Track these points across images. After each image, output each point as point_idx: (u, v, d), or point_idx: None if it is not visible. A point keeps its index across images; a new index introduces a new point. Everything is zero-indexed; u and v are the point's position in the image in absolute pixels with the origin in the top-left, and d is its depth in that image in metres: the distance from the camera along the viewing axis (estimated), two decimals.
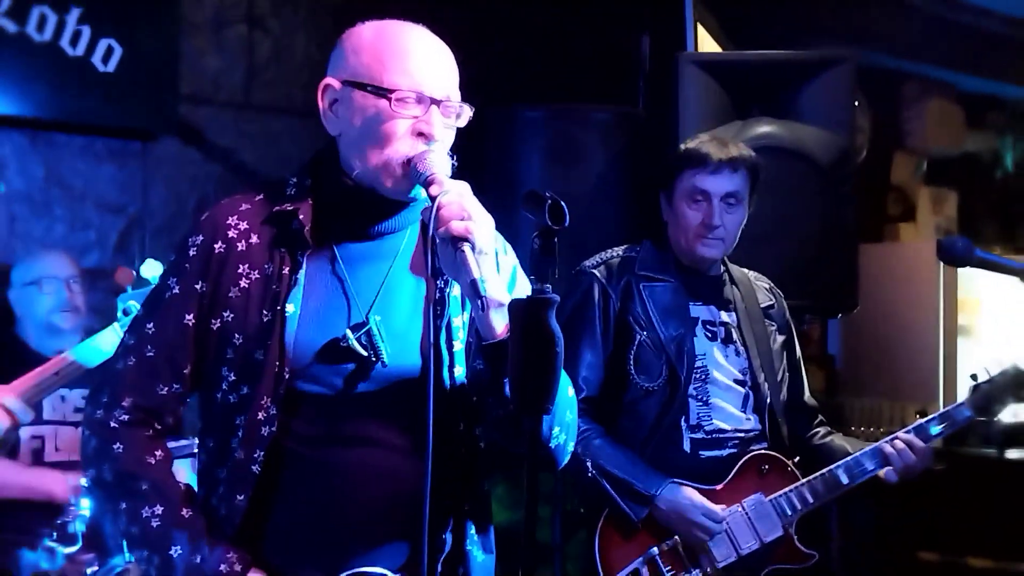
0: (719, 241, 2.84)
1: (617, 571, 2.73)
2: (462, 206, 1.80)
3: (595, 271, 2.89)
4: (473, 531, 2.03)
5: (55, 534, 3.18)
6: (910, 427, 2.83)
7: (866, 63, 4.22)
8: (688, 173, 2.83)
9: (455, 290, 1.96)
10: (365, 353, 1.93)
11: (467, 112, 1.98)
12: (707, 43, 4.17)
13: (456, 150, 1.99)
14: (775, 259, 3.07)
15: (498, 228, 1.95)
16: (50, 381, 2.41)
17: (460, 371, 1.98)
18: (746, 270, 3.01)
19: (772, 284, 3.06)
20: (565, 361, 2.73)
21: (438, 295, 1.96)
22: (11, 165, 4.14)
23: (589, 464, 2.72)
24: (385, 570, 1.94)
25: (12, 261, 3.87)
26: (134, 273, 2.50)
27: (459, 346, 1.98)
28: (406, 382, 1.94)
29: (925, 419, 2.84)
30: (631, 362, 2.81)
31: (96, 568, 3.18)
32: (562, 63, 4.78)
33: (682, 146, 2.94)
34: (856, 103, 3.89)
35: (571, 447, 2.03)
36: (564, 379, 1.91)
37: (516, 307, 1.74)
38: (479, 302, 1.80)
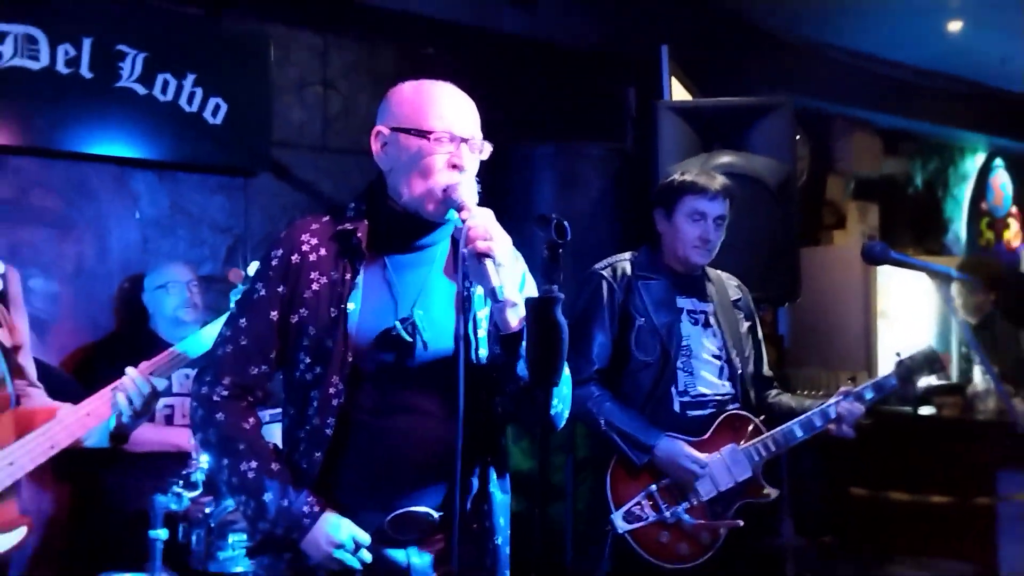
0: (709, 252, 2.89)
1: (623, 503, 2.75)
2: (486, 228, 1.84)
3: (603, 272, 2.92)
4: (495, 476, 2.04)
5: (181, 482, 3.16)
6: (850, 392, 2.87)
7: (803, 106, 4.25)
8: (690, 198, 2.85)
9: (479, 290, 1.95)
10: (410, 339, 1.94)
11: (487, 148, 2.00)
12: (679, 92, 4.18)
13: (482, 179, 2.01)
14: (736, 262, 3.11)
15: (515, 241, 1.98)
16: (174, 362, 2.43)
17: (484, 353, 1.98)
18: (718, 271, 3.04)
19: (739, 282, 3.09)
20: (580, 342, 2.79)
21: (466, 294, 1.97)
22: (144, 197, 4.16)
23: (602, 421, 2.75)
24: (428, 508, 1.95)
25: (145, 271, 3.89)
26: (243, 272, 2.51)
27: (483, 333, 1.99)
28: (442, 362, 1.95)
29: (861, 387, 2.88)
30: (632, 342, 2.84)
31: (212, 508, 3.18)
32: (567, 110, 4.82)
33: (679, 176, 2.93)
34: (797, 136, 3.92)
35: (567, 415, 2.04)
36: (567, 381, 1.97)
37: (531, 304, 1.79)
38: (497, 304, 1.84)
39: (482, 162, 2.02)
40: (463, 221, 1.87)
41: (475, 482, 1.99)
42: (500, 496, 2.04)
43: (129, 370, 2.33)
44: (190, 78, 4.08)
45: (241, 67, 4.24)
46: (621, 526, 2.72)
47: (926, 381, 2.94)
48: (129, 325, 3.94)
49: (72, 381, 3.57)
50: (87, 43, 3.88)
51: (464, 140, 1.94)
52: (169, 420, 3.66)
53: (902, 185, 6.90)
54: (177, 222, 4.22)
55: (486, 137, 2.01)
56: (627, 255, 2.97)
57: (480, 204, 1.92)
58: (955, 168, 7.92)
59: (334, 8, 4.41)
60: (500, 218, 1.91)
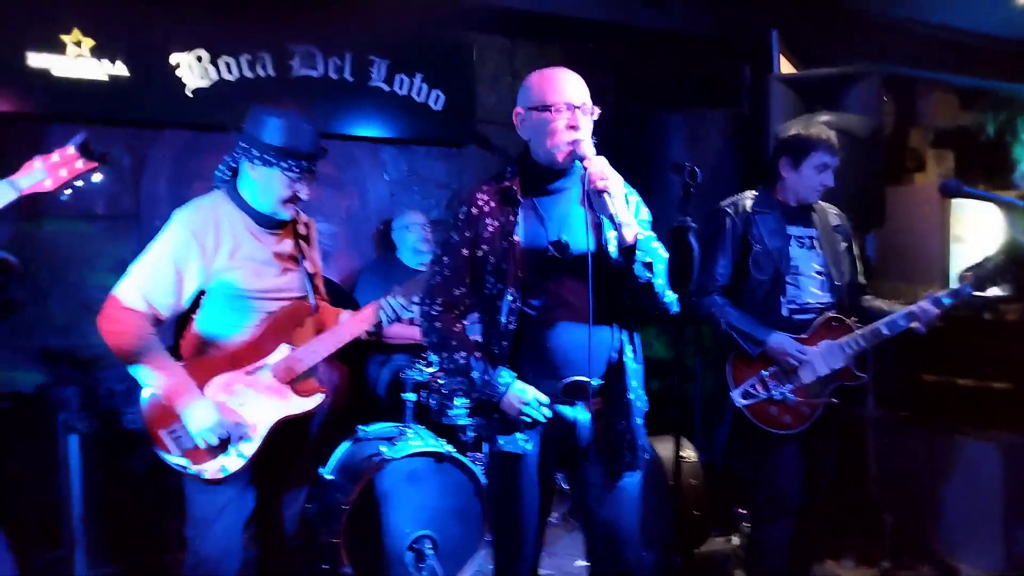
0: (823, 192, 2.73)
1: (741, 384, 2.67)
2: (602, 171, 1.86)
3: (727, 208, 2.77)
4: (629, 350, 2.04)
5: (422, 361, 3.32)
6: (931, 297, 2.64)
7: (889, 73, 3.88)
8: (819, 153, 2.66)
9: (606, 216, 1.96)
10: (559, 256, 1.96)
11: (597, 111, 1.98)
12: (787, 67, 3.91)
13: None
14: (836, 196, 2.87)
15: (652, 186, 1.94)
16: (415, 288, 2.51)
17: (613, 258, 1.97)
18: (821, 203, 2.82)
19: (838, 210, 2.87)
20: (707, 263, 2.71)
21: (596, 220, 1.97)
22: (389, 164, 4.29)
23: (723, 322, 2.66)
24: (584, 377, 1.98)
25: (392, 217, 4.01)
26: None
27: (612, 248, 1.97)
28: (583, 270, 1.94)
29: (940, 292, 2.65)
30: (751, 263, 2.70)
31: (444, 380, 3.27)
32: (694, 85, 4.58)
33: (806, 133, 2.72)
34: (884, 99, 3.60)
35: (676, 305, 2.01)
36: (663, 274, 1.94)
37: (670, 231, 1.78)
38: (615, 225, 1.88)
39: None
40: (585, 168, 1.89)
41: (614, 355, 2.01)
42: (633, 365, 2.05)
43: (389, 297, 2.42)
44: (419, 77, 4.16)
45: (453, 66, 4.27)
46: (739, 401, 2.65)
47: (995, 290, 2.66)
48: (383, 254, 4.09)
49: (349, 295, 3.74)
50: (348, 56, 4.02)
51: (577, 107, 1.94)
52: (411, 322, 3.80)
53: (975, 134, 6.21)
54: (413, 181, 4.33)
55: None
56: (748, 193, 2.80)
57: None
58: (1023, 118, 7.08)
59: (517, 18, 4.36)
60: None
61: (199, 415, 2.13)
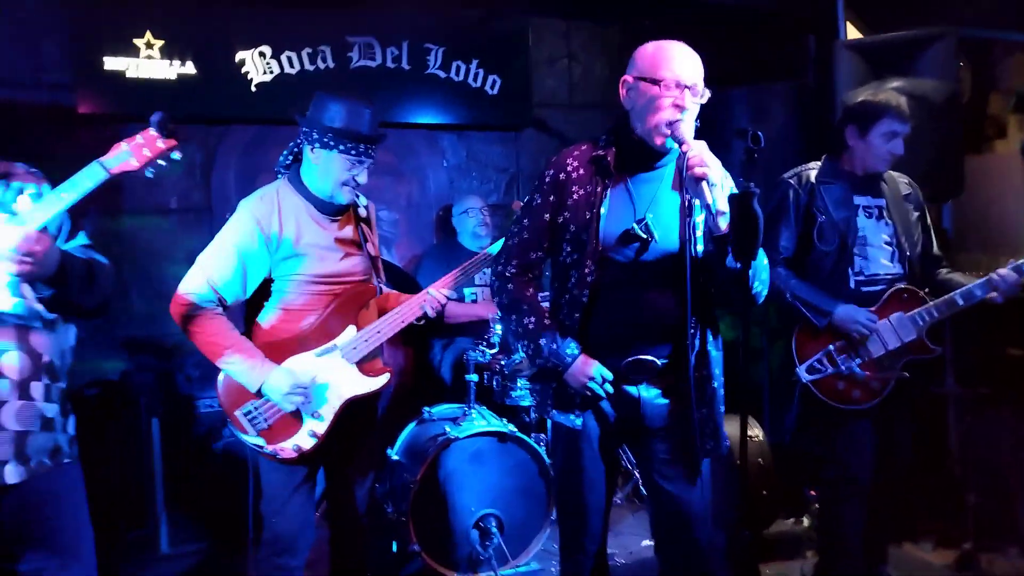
0: (893, 161, 2.62)
1: (807, 359, 2.60)
2: (702, 157, 1.78)
3: (790, 180, 2.69)
4: (711, 337, 2.00)
5: (484, 342, 3.34)
6: (1012, 264, 2.52)
7: (967, 35, 3.67)
8: (888, 120, 2.55)
9: (696, 201, 1.89)
10: (644, 236, 1.92)
11: (707, 93, 1.90)
12: (853, 34, 3.76)
13: (700, 113, 1.94)
14: (910, 165, 2.75)
15: (719, 155, 1.89)
16: (476, 265, 2.54)
17: (700, 248, 1.92)
18: (891, 171, 2.71)
19: (910, 179, 2.75)
20: (771, 236, 2.64)
21: (687, 204, 1.91)
22: (448, 150, 4.33)
23: (788, 294, 2.59)
24: (653, 357, 1.95)
25: (452, 202, 4.06)
26: (521, 202, 2.57)
27: (700, 233, 1.93)
28: (666, 253, 1.92)
29: (1020, 261, 2.52)
30: (815, 235, 2.61)
31: (505, 361, 3.32)
32: (757, 55, 4.45)
33: (874, 99, 2.61)
34: (960, 63, 3.42)
35: (765, 293, 1.95)
36: (762, 254, 1.87)
37: (733, 197, 1.72)
38: (712, 214, 1.80)
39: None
40: (684, 152, 1.82)
41: (697, 342, 1.97)
42: (715, 353, 2.01)
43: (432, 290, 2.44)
44: (474, 62, 4.17)
45: (509, 51, 4.26)
46: (805, 377, 2.58)
47: None
48: (443, 239, 4.14)
49: (411, 278, 3.81)
50: (405, 44, 4.06)
51: (687, 87, 1.87)
52: (474, 302, 3.83)
53: None
54: (471, 167, 4.36)
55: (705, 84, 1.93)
56: (813, 164, 2.71)
57: (696, 136, 1.86)
58: None
59: (572, 1, 4.33)
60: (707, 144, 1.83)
61: (278, 381, 2.19)
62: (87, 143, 3.60)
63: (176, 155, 1.73)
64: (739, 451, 2.63)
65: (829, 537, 2.70)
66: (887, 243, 2.64)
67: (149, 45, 3.68)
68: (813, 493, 3.30)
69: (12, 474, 1.68)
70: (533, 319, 2.00)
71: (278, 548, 2.29)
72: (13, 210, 1.71)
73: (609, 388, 1.96)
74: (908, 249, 2.64)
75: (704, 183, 1.77)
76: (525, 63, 4.30)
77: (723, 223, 1.81)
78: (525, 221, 2.05)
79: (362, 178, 2.30)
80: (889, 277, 2.62)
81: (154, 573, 3.19)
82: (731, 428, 2.98)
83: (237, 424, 2.27)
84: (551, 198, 1.99)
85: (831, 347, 2.59)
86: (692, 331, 1.92)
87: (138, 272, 3.77)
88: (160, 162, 1.71)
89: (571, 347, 1.96)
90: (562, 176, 1.99)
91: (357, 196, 2.37)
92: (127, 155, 1.67)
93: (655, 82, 1.87)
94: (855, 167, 2.65)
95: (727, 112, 3.71)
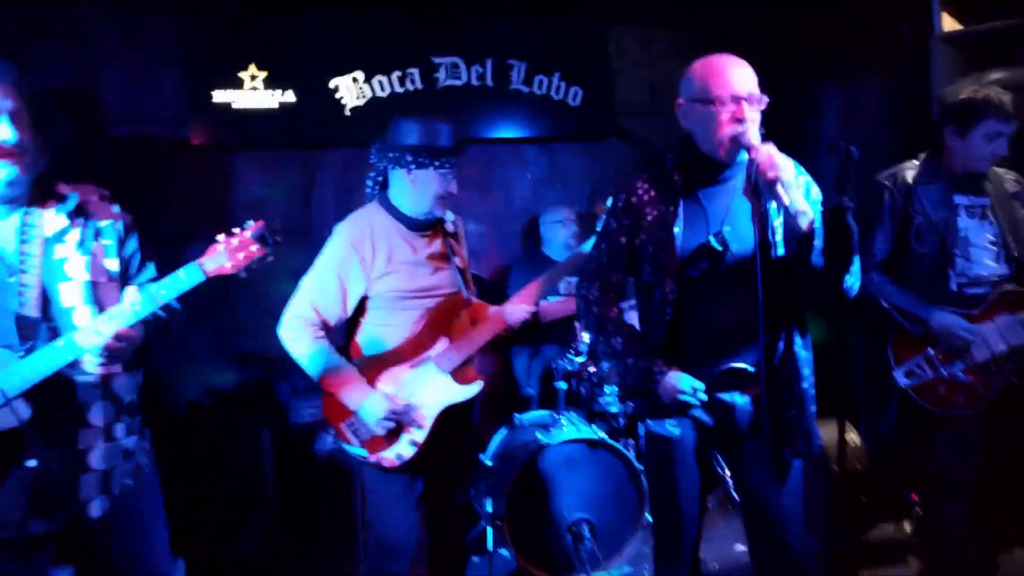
0: (994, 162, 2.52)
1: (904, 362, 2.52)
2: (771, 159, 1.76)
3: (885, 180, 2.60)
4: (798, 339, 1.97)
5: (573, 351, 3.38)
6: None
7: None
8: (990, 121, 2.44)
9: (772, 204, 1.88)
10: (721, 248, 1.91)
11: (764, 99, 1.88)
12: (949, 25, 3.59)
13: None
14: (1016, 161, 2.61)
15: (806, 166, 1.87)
16: (559, 274, 2.61)
17: (781, 252, 1.91)
18: (995, 168, 2.58)
19: (1017, 175, 2.61)
20: (865, 239, 2.60)
21: (762, 211, 1.89)
22: (533, 163, 4.39)
23: (884, 302, 2.53)
24: (744, 365, 1.95)
25: (539, 212, 4.09)
26: (605, 206, 2.61)
27: (779, 237, 1.91)
28: (746, 262, 1.89)
29: None
30: (912, 237, 2.53)
31: (594, 370, 3.34)
32: (847, 52, 4.31)
33: (977, 97, 2.48)
34: None
35: (856, 287, 1.91)
36: (856, 261, 1.86)
37: (827, 213, 1.73)
38: (790, 215, 1.79)
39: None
40: (751, 159, 1.82)
41: (780, 345, 1.95)
42: (803, 354, 1.99)
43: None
44: (556, 75, 4.23)
45: (590, 62, 4.29)
46: (903, 381, 2.51)
47: None
48: (528, 250, 4.20)
49: (498, 289, 3.85)
50: (489, 62, 4.17)
51: (743, 98, 1.86)
52: (569, 295, 3.76)
53: None
54: (555, 178, 4.40)
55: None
56: (909, 163, 2.61)
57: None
58: None
59: (652, 7, 4.33)
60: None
61: (372, 406, 2.31)
62: (201, 172, 3.92)
63: (269, 259, 1.78)
64: (837, 457, 2.60)
65: (932, 543, 2.61)
66: (992, 243, 2.52)
67: (253, 77, 3.94)
68: (915, 498, 3.18)
69: (97, 508, 1.76)
70: (619, 338, 2.02)
71: (386, 554, 2.38)
72: (95, 256, 1.78)
73: (703, 396, 1.95)
74: (1015, 249, 2.52)
75: (778, 185, 1.75)
76: (606, 73, 4.32)
77: (803, 222, 1.79)
78: (603, 246, 2.07)
79: (454, 188, 2.40)
80: (994, 279, 2.52)
81: (268, 573, 3.36)
82: (827, 433, 2.95)
83: (341, 435, 2.38)
84: (625, 221, 2.01)
85: (931, 351, 2.50)
86: (773, 335, 1.91)
87: (246, 289, 4.00)
88: (252, 266, 1.76)
89: (658, 364, 1.97)
90: (634, 199, 2.01)
91: (444, 212, 2.46)
92: (223, 258, 1.72)
93: (709, 101, 1.86)
94: (955, 167, 2.55)
95: (817, 112, 3.65)
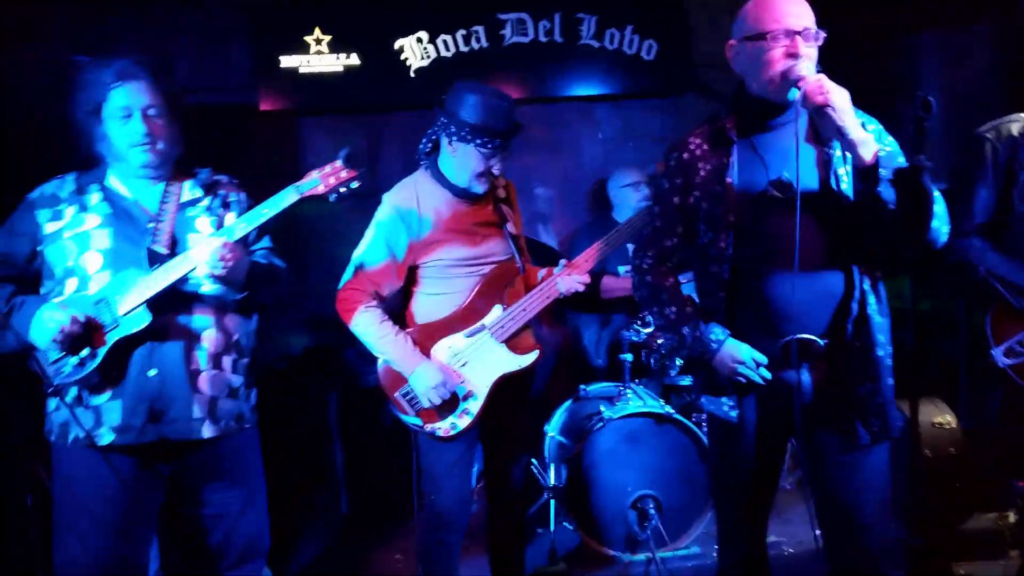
0: None
1: (1003, 341, 2.28)
2: (820, 84, 1.65)
3: (987, 134, 2.35)
4: (873, 300, 1.80)
5: (639, 322, 3.27)
6: None
7: None
8: None
9: (837, 152, 1.75)
10: (781, 196, 1.78)
11: (822, 35, 1.74)
12: None
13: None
14: None
15: (902, 120, 1.69)
16: (618, 239, 2.56)
17: (847, 197, 1.76)
18: None
19: None
20: (964, 197, 2.33)
21: (824, 156, 1.77)
22: (604, 121, 4.23)
23: (983, 269, 2.29)
24: (814, 336, 1.79)
25: (606, 176, 3.94)
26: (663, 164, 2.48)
27: (845, 185, 1.76)
28: (812, 211, 1.74)
29: None
30: (1017, 197, 2.28)
31: (662, 342, 3.22)
32: None
33: None
34: None
35: (945, 232, 1.72)
36: (940, 201, 1.69)
37: (901, 173, 1.57)
38: (847, 143, 1.66)
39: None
40: (800, 88, 1.68)
41: (854, 307, 1.78)
42: (879, 319, 1.81)
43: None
44: (628, 28, 4.04)
45: (665, 14, 4.07)
46: (1002, 361, 2.27)
47: None
48: (597, 215, 4.05)
49: (566, 257, 3.78)
50: (557, 17, 4.01)
51: (797, 32, 1.71)
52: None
53: None
54: (627, 137, 4.22)
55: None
56: (1015, 116, 2.35)
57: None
58: None
59: None
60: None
61: (424, 377, 2.29)
62: (270, 138, 3.95)
63: (355, 184, 2.01)
64: (929, 441, 2.39)
65: None
66: None
67: (318, 41, 3.92)
68: (1022, 485, 2.91)
69: (208, 430, 1.97)
70: (674, 308, 1.93)
71: (438, 523, 2.39)
72: (221, 219, 2.06)
73: (766, 372, 1.82)
74: None
75: (829, 110, 1.63)
76: (682, 24, 4.09)
77: (866, 152, 1.65)
78: (656, 209, 1.98)
79: (497, 168, 2.32)
80: None
81: (335, 531, 3.45)
82: (920, 414, 2.72)
83: (397, 404, 2.38)
84: (677, 180, 1.91)
85: None
86: (845, 296, 1.77)
87: (316, 255, 4.05)
88: (342, 189, 1.99)
89: (716, 332, 1.85)
90: (686, 155, 1.90)
91: (495, 176, 2.38)
92: (317, 182, 1.97)
93: (761, 36, 1.74)
94: None
95: (916, 61, 3.33)
